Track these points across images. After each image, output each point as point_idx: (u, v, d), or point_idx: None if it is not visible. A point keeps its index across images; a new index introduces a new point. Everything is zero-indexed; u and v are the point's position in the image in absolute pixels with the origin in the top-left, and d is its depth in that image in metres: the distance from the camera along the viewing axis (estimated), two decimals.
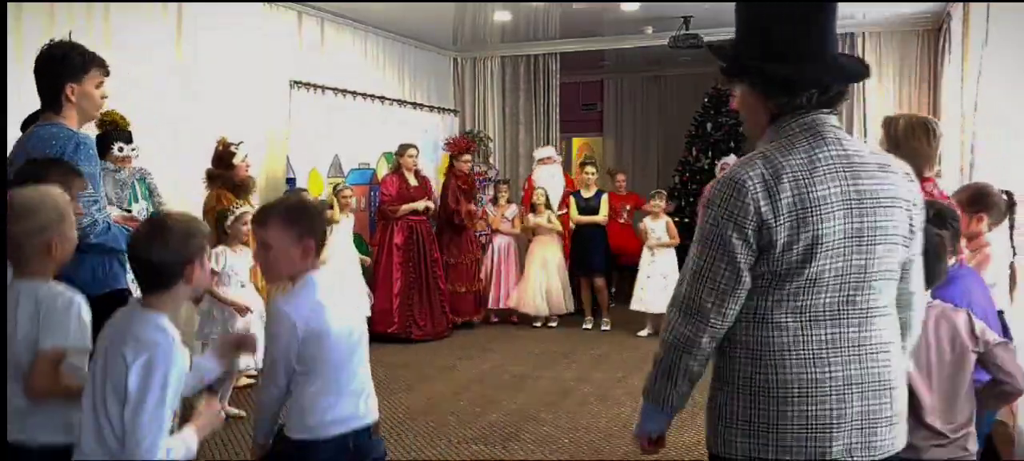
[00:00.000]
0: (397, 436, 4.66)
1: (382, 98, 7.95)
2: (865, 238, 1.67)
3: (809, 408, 1.66)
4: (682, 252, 6.35)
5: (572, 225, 7.98)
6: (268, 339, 2.38)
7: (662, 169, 11.38)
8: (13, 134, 3.07)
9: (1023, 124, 4.46)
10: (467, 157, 7.99)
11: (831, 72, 1.73)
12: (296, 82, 6.77)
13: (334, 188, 6.94)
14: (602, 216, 7.85)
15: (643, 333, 7.42)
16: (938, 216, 2.61)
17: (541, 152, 8.53)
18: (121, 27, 5.26)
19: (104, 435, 1.99)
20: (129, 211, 4.51)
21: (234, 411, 4.96)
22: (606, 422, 4.99)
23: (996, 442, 3.25)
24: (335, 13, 7.47)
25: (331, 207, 6.60)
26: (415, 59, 8.88)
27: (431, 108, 8.86)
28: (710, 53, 1.89)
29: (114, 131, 4.75)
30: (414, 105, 8.56)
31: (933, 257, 2.33)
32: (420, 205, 7.38)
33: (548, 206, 7.92)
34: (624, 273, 8.31)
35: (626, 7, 7.57)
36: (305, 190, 6.66)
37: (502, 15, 8.01)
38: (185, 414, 2.15)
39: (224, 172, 5.36)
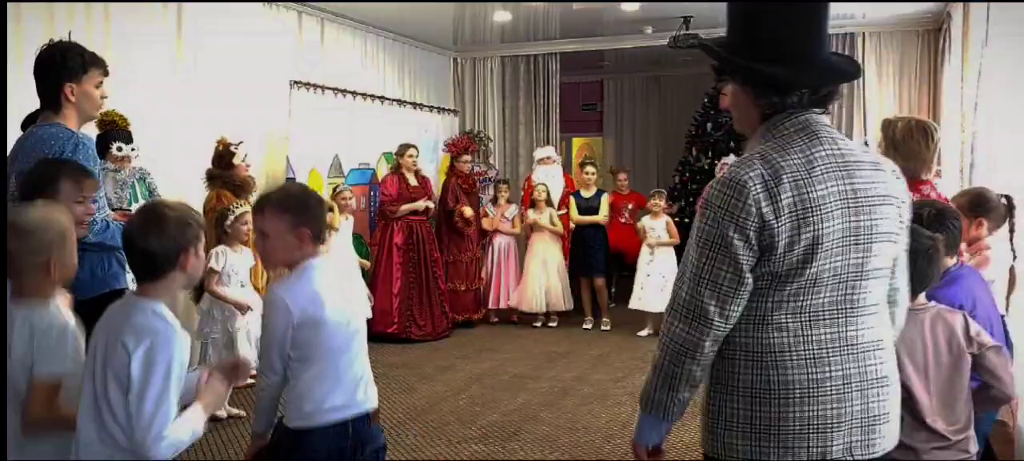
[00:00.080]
0: (397, 436, 4.65)
1: (382, 98, 7.95)
2: (862, 236, 1.67)
3: (811, 408, 1.67)
4: (681, 252, 6.33)
5: (572, 225, 7.98)
6: (264, 326, 2.38)
7: (662, 169, 11.38)
8: (13, 134, 3.07)
9: (1023, 124, 4.45)
10: (467, 157, 8.03)
11: (823, 72, 1.73)
12: (296, 82, 6.77)
13: (334, 190, 6.93)
14: (602, 216, 7.85)
15: (643, 333, 7.42)
16: (939, 216, 2.61)
17: (541, 152, 8.53)
18: (121, 27, 5.26)
19: (108, 428, 1.98)
20: (129, 212, 4.50)
21: (234, 411, 4.96)
22: (606, 422, 4.99)
23: (994, 442, 3.25)
24: (335, 13, 7.46)
25: (331, 210, 6.57)
26: (415, 59, 8.88)
27: (431, 108, 8.86)
28: (704, 52, 1.89)
29: (113, 131, 4.75)
30: (414, 105, 8.56)
31: (925, 260, 2.33)
32: (420, 205, 7.39)
33: (549, 203, 7.92)
34: (627, 272, 8.30)
35: (626, 7, 7.56)
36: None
37: (502, 15, 8.00)
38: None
39: (224, 172, 5.37)
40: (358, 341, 2.46)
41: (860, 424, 1.69)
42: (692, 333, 1.69)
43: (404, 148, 7.42)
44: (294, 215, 2.36)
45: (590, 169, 8.08)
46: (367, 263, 7.18)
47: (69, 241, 2.24)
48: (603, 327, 7.78)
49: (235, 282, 4.83)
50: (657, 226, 7.44)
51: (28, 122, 3.17)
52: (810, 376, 1.66)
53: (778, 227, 1.62)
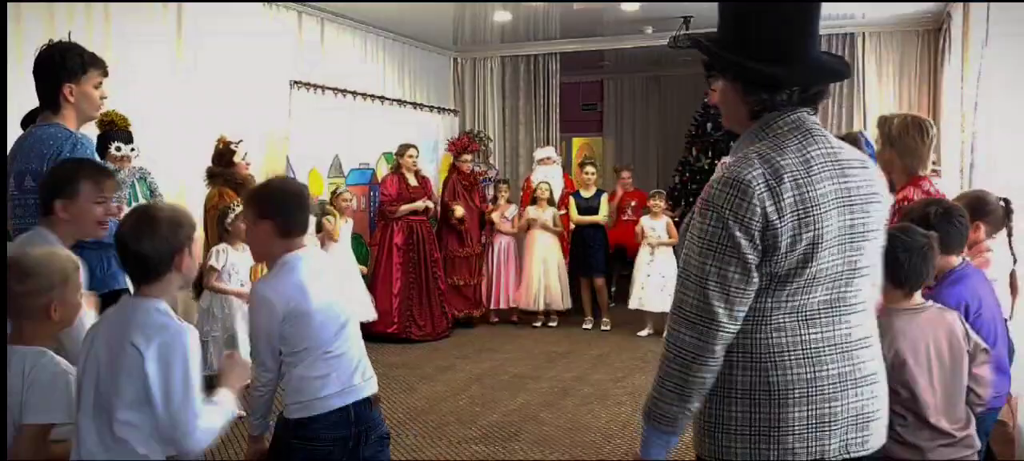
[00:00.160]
0: (397, 436, 4.64)
1: (382, 98, 7.95)
2: (856, 234, 1.68)
3: (810, 408, 1.66)
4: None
5: (572, 225, 7.98)
6: (251, 325, 2.38)
7: (662, 169, 11.38)
8: (13, 134, 3.07)
9: (1023, 124, 4.45)
10: (467, 156, 8.05)
11: (813, 70, 1.73)
12: (296, 82, 6.77)
13: (333, 191, 6.92)
14: (602, 216, 7.85)
15: (643, 333, 7.42)
16: (946, 215, 2.61)
17: (541, 152, 8.53)
18: (121, 27, 5.27)
19: (114, 429, 1.96)
20: None
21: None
22: (606, 422, 4.99)
23: (994, 442, 3.25)
24: (335, 13, 7.47)
25: (332, 217, 6.55)
26: (415, 59, 8.88)
27: (431, 108, 8.86)
28: (695, 48, 1.87)
29: (113, 131, 4.75)
30: (414, 105, 8.56)
31: (919, 257, 2.34)
32: (420, 205, 7.39)
33: (551, 202, 7.90)
34: (628, 270, 8.28)
35: (626, 7, 7.56)
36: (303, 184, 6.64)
37: (502, 15, 8.00)
38: None
39: (225, 170, 5.38)
40: (350, 327, 2.46)
41: (854, 422, 1.69)
42: (701, 337, 1.64)
43: (404, 148, 7.42)
44: (254, 210, 2.36)
45: (590, 169, 8.08)
46: (365, 269, 7.17)
47: (72, 282, 2.19)
48: (603, 327, 7.78)
49: (235, 280, 4.86)
50: (657, 226, 7.44)
51: (28, 121, 3.17)
52: (808, 375, 1.66)
53: (781, 227, 1.61)
